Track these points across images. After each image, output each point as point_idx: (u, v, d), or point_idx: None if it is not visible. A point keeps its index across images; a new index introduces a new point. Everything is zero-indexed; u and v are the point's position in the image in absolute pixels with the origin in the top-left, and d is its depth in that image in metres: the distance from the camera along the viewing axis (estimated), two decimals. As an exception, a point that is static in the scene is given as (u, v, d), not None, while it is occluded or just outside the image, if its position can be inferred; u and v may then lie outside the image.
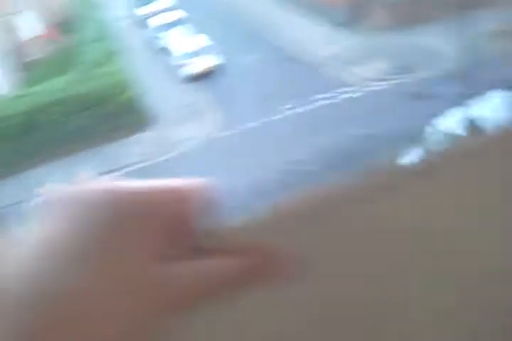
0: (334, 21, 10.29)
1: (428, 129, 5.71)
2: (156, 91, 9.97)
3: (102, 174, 0.33)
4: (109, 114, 9.14)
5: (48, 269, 0.27)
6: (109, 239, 0.28)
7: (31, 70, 12.76)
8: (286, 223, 0.32)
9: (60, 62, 12.48)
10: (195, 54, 10.34)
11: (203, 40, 10.71)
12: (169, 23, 11.79)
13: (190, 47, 10.52)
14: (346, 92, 8.33)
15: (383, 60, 8.80)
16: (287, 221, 0.32)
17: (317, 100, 8.30)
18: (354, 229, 0.33)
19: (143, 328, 0.27)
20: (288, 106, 8.31)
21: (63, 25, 13.66)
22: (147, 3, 12.91)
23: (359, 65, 9.00)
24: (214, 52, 10.36)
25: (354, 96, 8.17)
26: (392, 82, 8.24)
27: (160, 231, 0.29)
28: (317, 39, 10.19)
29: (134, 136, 8.97)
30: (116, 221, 0.28)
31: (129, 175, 7.68)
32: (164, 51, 11.14)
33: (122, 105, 9.39)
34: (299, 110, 8.15)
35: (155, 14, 12.20)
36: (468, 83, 6.53)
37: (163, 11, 12.30)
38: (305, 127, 7.78)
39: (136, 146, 8.83)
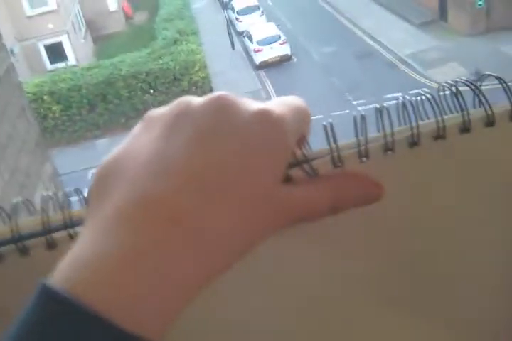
0: (419, 21, 10.06)
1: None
2: (227, 74, 10.02)
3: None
4: (179, 92, 9.27)
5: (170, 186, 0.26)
6: (238, 153, 0.27)
7: (107, 43, 13.10)
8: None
9: (137, 37, 12.79)
10: (271, 41, 10.34)
11: (274, 29, 10.69)
12: (249, 7, 11.82)
13: (267, 34, 10.53)
14: (420, 94, 8.06)
15: (460, 65, 8.55)
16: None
17: (390, 99, 8.07)
18: None
19: (251, 247, 0.27)
20: (358, 102, 8.20)
21: (141, 3, 13.96)
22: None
23: (436, 67, 8.78)
24: (289, 41, 10.33)
25: (427, 98, 7.87)
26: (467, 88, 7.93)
27: (288, 150, 0.29)
28: (398, 37, 9.99)
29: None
30: (239, 137, 0.27)
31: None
32: (241, 34, 11.19)
33: (194, 84, 9.57)
34: (370, 107, 8.02)
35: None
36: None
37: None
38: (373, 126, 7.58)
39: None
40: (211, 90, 9.61)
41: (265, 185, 0.27)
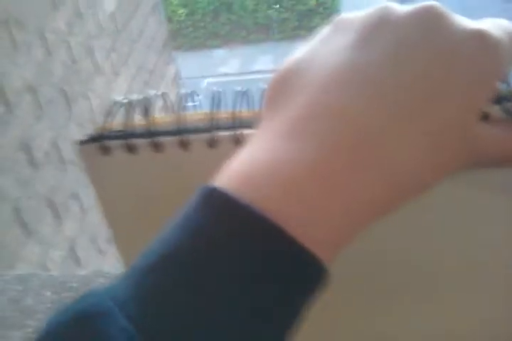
0: None
1: None
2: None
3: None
4: (305, 10, 9.02)
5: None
6: (441, 76, 0.24)
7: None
8: None
9: None
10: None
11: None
12: None
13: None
14: None
15: None
16: None
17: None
18: None
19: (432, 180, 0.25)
20: None
21: None
22: None
23: None
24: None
25: None
26: None
27: (496, 81, 0.25)
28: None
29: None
30: (447, 55, 0.24)
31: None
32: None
33: (321, 4, 9.21)
34: None
35: None
36: None
37: None
38: None
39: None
40: (335, 13, 9.14)
41: (463, 116, 0.24)
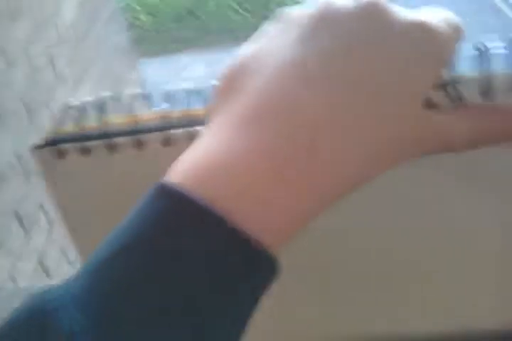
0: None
1: None
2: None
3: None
4: (268, 15, 9.01)
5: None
6: (386, 66, 0.25)
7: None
8: None
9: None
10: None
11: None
12: None
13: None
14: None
15: None
16: None
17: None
18: None
19: (381, 170, 0.25)
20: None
21: None
22: None
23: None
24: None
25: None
26: None
27: (440, 69, 0.26)
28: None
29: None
30: (391, 47, 0.25)
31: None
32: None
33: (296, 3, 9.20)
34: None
35: None
36: None
37: None
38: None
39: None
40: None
41: (408, 105, 0.25)
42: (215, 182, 0.23)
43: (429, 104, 0.26)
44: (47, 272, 1.97)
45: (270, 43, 0.26)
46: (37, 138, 0.34)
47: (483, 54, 0.30)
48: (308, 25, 0.25)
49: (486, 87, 0.29)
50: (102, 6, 2.82)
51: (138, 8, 10.02)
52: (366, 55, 0.25)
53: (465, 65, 0.30)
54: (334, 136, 0.24)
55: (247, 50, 0.27)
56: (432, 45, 0.26)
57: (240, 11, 9.92)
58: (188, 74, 9.48)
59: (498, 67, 0.30)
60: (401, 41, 0.25)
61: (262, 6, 9.89)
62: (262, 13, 9.70)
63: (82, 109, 0.33)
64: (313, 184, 0.24)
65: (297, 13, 0.27)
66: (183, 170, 0.24)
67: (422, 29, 0.25)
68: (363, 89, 0.24)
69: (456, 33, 0.27)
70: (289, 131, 0.23)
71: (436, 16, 0.26)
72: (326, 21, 0.25)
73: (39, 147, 0.34)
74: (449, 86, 0.28)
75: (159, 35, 10.20)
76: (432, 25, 0.25)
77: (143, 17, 10.14)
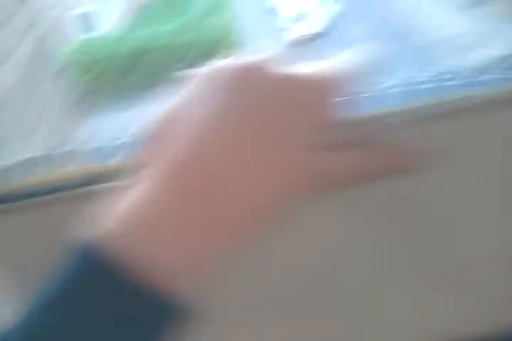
0: (457, 4, 9.82)
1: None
2: (259, 50, 9.91)
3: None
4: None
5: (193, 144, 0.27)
6: (255, 120, 0.28)
7: (139, 13, 13.10)
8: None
9: (168, 9, 12.76)
10: (300, 18, 10.19)
11: (310, 4, 10.52)
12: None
13: (296, 11, 10.37)
14: (452, 79, 7.93)
15: (498, 50, 8.35)
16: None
17: (421, 83, 7.95)
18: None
19: (275, 210, 0.29)
20: (387, 85, 8.07)
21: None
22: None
23: (472, 51, 8.60)
24: (320, 17, 10.17)
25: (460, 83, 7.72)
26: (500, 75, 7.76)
27: (320, 117, 0.29)
28: (432, 20, 9.76)
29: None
30: (263, 104, 0.28)
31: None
32: (271, 12, 11.05)
33: (223, 59, 9.35)
34: (397, 90, 7.88)
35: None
36: None
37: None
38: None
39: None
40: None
41: (294, 149, 0.29)
42: (132, 236, 0.26)
43: (315, 146, 0.29)
44: None
45: (189, 100, 0.30)
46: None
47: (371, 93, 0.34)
48: (215, 84, 0.29)
49: (373, 124, 0.32)
50: (44, 68, 2.84)
51: (79, 66, 10.08)
52: (249, 112, 0.28)
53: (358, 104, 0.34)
54: (231, 184, 0.27)
55: (171, 104, 0.30)
56: (306, 95, 0.28)
57: (180, 64, 10.11)
58: (136, 128, 9.47)
59: (389, 104, 0.34)
60: (279, 95, 0.28)
61: (201, 58, 10.08)
62: (202, 64, 9.89)
63: (6, 170, 0.35)
64: (216, 227, 0.27)
65: (208, 73, 0.30)
66: (106, 225, 0.27)
67: (296, 83, 0.28)
68: (252, 142, 0.28)
69: (333, 81, 0.31)
70: (192, 182, 0.27)
71: (319, 68, 0.30)
72: (213, 84, 0.29)
73: None
74: (334, 127, 0.31)
75: (102, 92, 10.24)
76: (306, 78, 0.28)
77: (85, 75, 10.19)
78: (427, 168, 0.32)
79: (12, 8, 2.53)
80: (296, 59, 0.30)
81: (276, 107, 0.29)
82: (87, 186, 0.35)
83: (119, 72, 9.61)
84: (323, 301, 0.39)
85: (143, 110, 9.10)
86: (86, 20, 11.48)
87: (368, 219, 0.36)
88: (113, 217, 0.27)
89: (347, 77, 0.31)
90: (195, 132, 0.29)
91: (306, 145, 0.29)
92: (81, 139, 3.16)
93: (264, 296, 0.38)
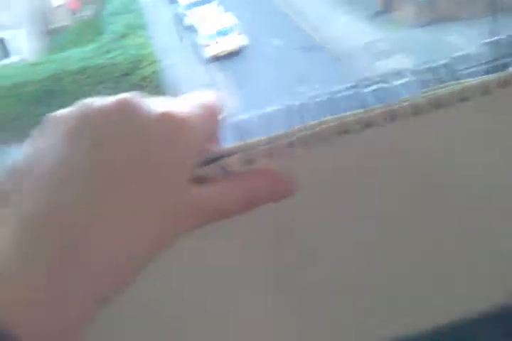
0: (365, 13, 10.22)
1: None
2: (178, 68, 9.91)
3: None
4: (129, 87, 9.06)
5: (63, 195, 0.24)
6: (137, 160, 0.26)
7: (55, 37, 12.76)
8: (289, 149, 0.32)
9: (84, 31, 12.48)
10: (221, 33, 10.26)
11: (229, 19, 10.62)
12: (198, 1, 11.70)
13: (217, 27, 10.45)
14: (369, 85, 8.18)
15: (408, 56, 8.75)
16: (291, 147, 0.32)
17: (339, 91, 8.16)
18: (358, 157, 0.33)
19: (162, 248, 0.26)
20: (309, 95, 8.25)
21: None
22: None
23: (384, 58, 8.95)
24: (240, 33, 10.28)
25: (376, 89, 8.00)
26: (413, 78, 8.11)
27: (190, 152, 0.28)
28: (346, 30, 10.11)
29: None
30: (143, 142, 0.26)
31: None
32: (190, 29, 11.09)
33: (144, 79, 9.34)
34: (320, 99, 8.06)
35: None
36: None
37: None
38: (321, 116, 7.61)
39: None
40: (160, 85, 9.46)
41: (171, 188, 0.27)
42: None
43: (198, 179, 0.28)
44: None
45: (39, 147, 0.27)
46: None
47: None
48: (68, 128, 0.27)
49: (247, 155, 0.31)
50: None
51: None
52: (120, 155, 0.26)
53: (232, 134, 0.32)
54: (100, 237, 0.24)
55: (22, 154, 0.27)
56: (178, 134, 0.27)
57: (99, 86, 9.83)
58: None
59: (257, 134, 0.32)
60: (149, 135, 0.27)
61: (119, 79, 9.87)
62: (123, 85, 9.74)
63: None
64: (80, 288, 0.24)
65: (60, 115, 0.28)
66: None
67: (167, 121, 0.27)
68: (115, 185, 0.25)
69: (208, 115, 0.29)
70: (54, 239, 0.24)
71: (187, 103, 0.29)
72: (82, 123, 0.27)
73: None
74: (215, 160, 0.30)
75: (18, 121, 9.63)
76: (177, 116, 0.28)
77: (5, 99, 9.69)
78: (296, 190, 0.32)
79: None
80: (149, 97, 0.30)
81: (146, 145, 0.27)
82: None
83: (36, 99, 9.26)
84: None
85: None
86: (1, 46, 11.06)
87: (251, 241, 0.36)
88: None
89: (213, 110, 0.31)
90: (51, 182, 0.25)
91: (182, 181, 0.27)
92: None
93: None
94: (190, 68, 10.03)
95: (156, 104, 0.28)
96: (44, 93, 9.27)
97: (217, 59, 10.20)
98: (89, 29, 12.10)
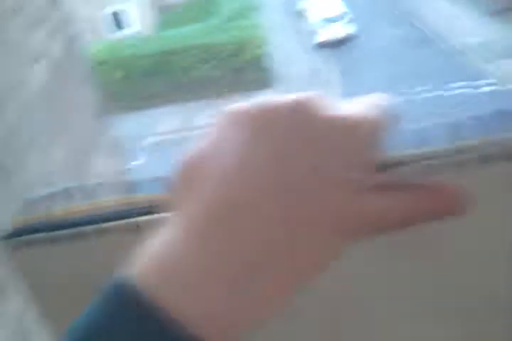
0: (486, 10, 9.68)
1: None
2: (285, 53, 9.92)
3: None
4: (236, 68, 9.26)
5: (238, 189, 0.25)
6: (309, 163, 0.26)
7: (166, 14, 13.22)
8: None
9: (195, 10, 12.84)
10: (331, 21, 10.15)
11: (339, 7, 10.47)
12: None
13: (327, 14, 10.34)
14: (487, 85, 7.82)
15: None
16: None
17: (452, 89, 7.86)
18: None
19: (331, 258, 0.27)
20: (417, 90, 7.98)
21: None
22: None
23: (505, 58, 8.46)
24: (350, 21, 10.11)
25: (494, 90, 7.62)
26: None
27: (365, 161, 0.28)
28: (464, 26, 9.65)
29: (255, 93, 9.01)
30: (315, 145, 0.27)
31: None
32: (300, 14, 11.04)
33: (251, 61, 9.48)
34: (429, 95, 7.80)
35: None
36: None
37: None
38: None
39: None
40: (265, 69, 9.63)
41: (342, 198, 0.27)
42: (168, 282, 0.24)
43: (362, 188, 0.28)
44: None
45: (220, 141, 0.28)
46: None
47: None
48: (255, 127, 0.27)
49: (420, 166, 0.30)
50: (74, 68, 2.87)
51: (110, 65, 10.23)
52: (299, 157, 0.26)
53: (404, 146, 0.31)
54: (279, 239, 0.25)
55: (201, 145, 0.28)
56: (353, 143, 0.28)
57: (207, 65, 10.17)
58: (163, 128, 9.59)
59: (437, 146, 0.31)
60: (325, 145, 0.27)
61: (227, 60, 10.15)
62: (231, 65, 9.97)
63: (48, 199, 0.35)
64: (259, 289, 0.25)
65: (244, 111, 0.28)
66: (140, 265, 0.25)
67: (344, 124, 0.28)
68: (301, 189, 0.26)
69: (382, 120, 0.29)
70: (225, 235, 0.25)
71: (363, 106, 0.29)
72: (269, 124, 0.27)
73: (6, 237, 0.34)
74: (381, 168, 0.30)
75: (132, 90, 10.38)
76: (354, 119, 0.28)
77: (116, 73, 10.33)
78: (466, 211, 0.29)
79: (44, 9, 2.55)
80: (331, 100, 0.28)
81: (323, 149, 0.27)
82: (128, 217, 0.33)
83: (146, 73, 9.73)
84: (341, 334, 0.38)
85: (167, 110, 9.19)
86: (117, 20, 11.64)
87: (391, 253, 0.34)
88: (145, 258, 0.25)
89: (386, 118, 0.29)
90: (239, 177, 0.26)
91: (356, 188, 0.27)
92: (110, 140, 3.19)
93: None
94: (296, 53, 10.01)
95: (333, 107, 0.28)
96: (153, 67, 9.64)
97: (324, 46, 10.11)
98: (201, 8, 12.39)
